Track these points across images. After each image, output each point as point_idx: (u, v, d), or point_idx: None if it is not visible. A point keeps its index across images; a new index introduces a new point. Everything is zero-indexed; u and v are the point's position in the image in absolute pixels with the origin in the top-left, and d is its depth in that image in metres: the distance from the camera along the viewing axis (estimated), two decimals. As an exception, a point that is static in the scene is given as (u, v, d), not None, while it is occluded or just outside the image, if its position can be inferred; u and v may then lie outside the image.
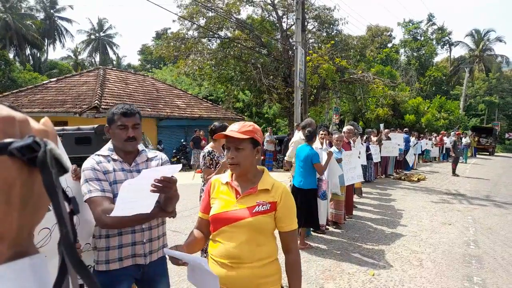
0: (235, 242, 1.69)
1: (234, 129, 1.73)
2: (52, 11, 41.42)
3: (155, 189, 1.66)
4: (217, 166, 3.75)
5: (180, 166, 1.78)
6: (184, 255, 1.55)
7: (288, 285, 1.79)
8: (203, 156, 3.84)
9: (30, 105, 13.30)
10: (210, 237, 1.82)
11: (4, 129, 0.38)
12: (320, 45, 17.62)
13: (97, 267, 1.97)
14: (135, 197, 1.66)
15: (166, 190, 1.70)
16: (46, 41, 40.39)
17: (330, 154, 5.24)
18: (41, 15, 40.25)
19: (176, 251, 1.57)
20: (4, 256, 0.38)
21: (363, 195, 8.79)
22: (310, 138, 5.01)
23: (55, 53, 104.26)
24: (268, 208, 1.72)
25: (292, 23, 15.85)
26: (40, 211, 0.43)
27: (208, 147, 3.89)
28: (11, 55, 33.20)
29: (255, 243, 1.70)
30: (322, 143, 5.59)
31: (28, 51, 37.10)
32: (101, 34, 47.21)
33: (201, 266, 1.48)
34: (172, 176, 1.73)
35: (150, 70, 36.08)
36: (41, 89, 15.04)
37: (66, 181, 1.92)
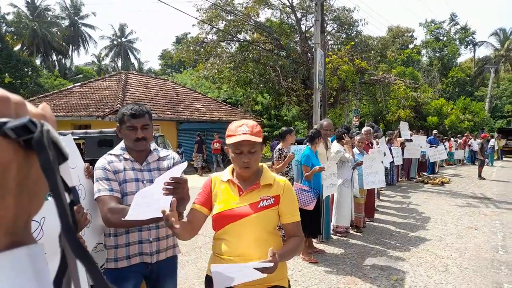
0: (243, 239, 1.69)
1: (247, 132, 1.68)
2: (76, 18, 42.68)
3: (167, 191, 1.66)
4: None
5: (185, 163, 1.79)
6: (229, 266, 1.59)
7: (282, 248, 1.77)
8: (275, 151, 5.00)
9: (56, 109, 13.69)
10: (215, 235, 1.81)
11: None
12: (339, 46, 17.44)
13: (106, 265, 2.01)
14: (149, 202, 1.67)
15: (179, 191, 1.69)
16: (71, 47, 41.62)
17: (319, 170, 4.64)
18: (65, 22, 41.55)
19: (222, 265, 1.60)
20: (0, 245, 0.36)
21: (385, 198, 8.62)
22: (311, 140, 4.78)
23: (79, 59, 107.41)
24: (272, 202, 1.73)
25: (311, 25, 15.74)
26: (37, 199, 0.41)
27: (279, 146, 5.05)
28: (37, 62, 34.40)
29: (262, 238, 1.70)
30: (352, 148, 5.60)
31: (54, 57, 38.33)
32: (123, 39, 48.31)
33: (250, 268, 1.53)
34: (182, 176, 1.72)
35: (171, 74, 36.60)
36: (66, 93, 15.47)
37: (79, 178, 1.95)
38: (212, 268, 1.58)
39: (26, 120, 0.35)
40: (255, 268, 1.52)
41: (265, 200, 1.73)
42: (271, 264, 1.52)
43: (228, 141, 1.71)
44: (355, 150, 5.96)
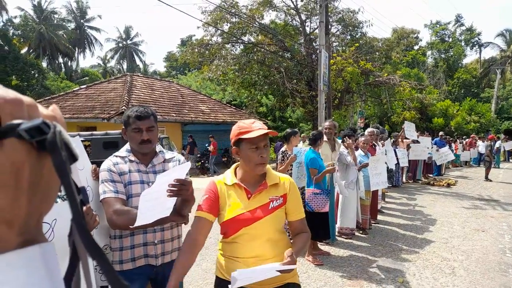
0: (257, 242, 1.68)
1: (263, 127, 1.69)
2: (82, 21, 43.00)
3: (172, 193, 1.65)
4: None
5: (189, 164, 1.78)
6: (253, 270, 1.57)
7: (292, 244, 1.80)
8: (279, 153, 5.12)
9: (61, 111, 13.51)
10: (227, 240, 1.77)
11: (12, 112, 0.36)
12: (344, 48, 17.40)
13: None
14: (154, 204, 1.66)
15: (183, 192, 1.69)
16: (77, 50, 41.92)
17: (331, 170, 4.82)
18: (72, 25, 41.88)
19: (246, 270, 1.56)
20: (13, 243, 0.37)
21: (390, 200, 8.57)
22: (313, 142, 4.79)
23: (85, 61, 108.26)
24: (282, 201, 1.75)
25: (316, 26, 15.73)
26: (48, 199, 0.42)
27: (283, 148, 5.13)
28: (44, 64, 34.70)
29: (274, 238, 1.71)
30: (356, 150, 5.69)
31: (60, 60, 38.64)
32: (128, 42, 48.58)
33: (272, 269, 1.53)
34: (186, 177, 1.72)
35: (176, 76, 36.72)
36: (72, 95, 15.58)
37: (86, 180, 1.96)
38: (235, 273, 1.51)
39: (40, 121, 0.36)
40: (277, 271, 1.52)
41: (275, 201, 1.73)
42: (295, 266, 1.54)
43: (246, 136, 1.65)
44: (360, 151, 5.94)
